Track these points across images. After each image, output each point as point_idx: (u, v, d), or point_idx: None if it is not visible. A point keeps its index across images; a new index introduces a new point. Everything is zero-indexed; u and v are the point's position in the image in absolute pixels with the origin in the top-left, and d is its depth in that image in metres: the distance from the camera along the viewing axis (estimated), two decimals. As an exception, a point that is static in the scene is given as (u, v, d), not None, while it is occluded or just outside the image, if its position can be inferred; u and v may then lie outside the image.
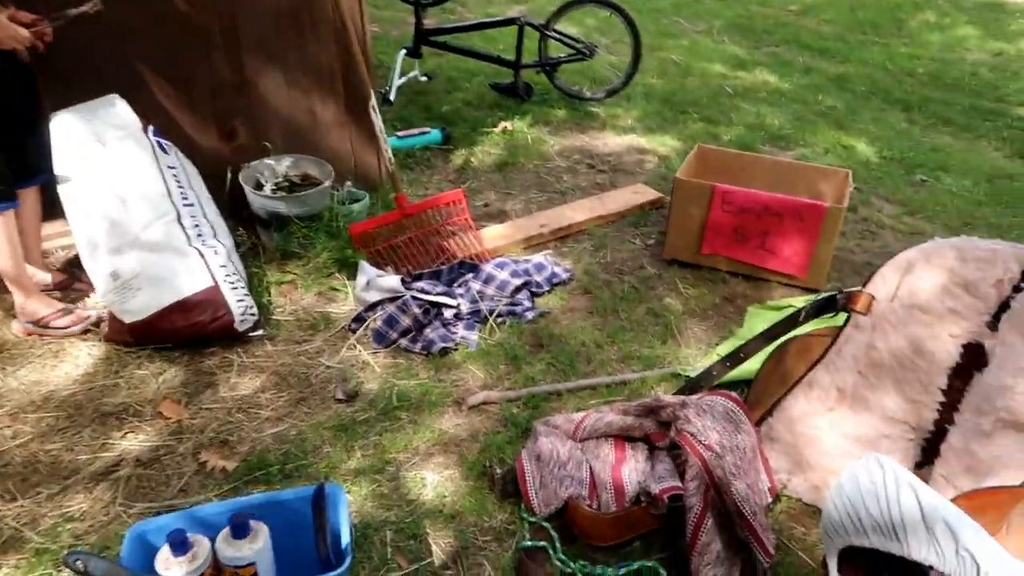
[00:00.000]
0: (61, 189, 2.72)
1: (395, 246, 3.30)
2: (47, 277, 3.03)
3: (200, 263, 2.77)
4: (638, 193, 3.88)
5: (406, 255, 3.28)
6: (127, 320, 2.73)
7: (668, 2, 8.54)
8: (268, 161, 3.42)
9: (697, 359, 2.77)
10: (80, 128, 2.68)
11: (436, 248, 3.33)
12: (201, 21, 3.14)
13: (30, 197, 2.84)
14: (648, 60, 5.92)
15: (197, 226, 2.83)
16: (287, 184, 3.39)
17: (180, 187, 2.81)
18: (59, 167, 2.66)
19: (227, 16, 3.18)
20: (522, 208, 3.86)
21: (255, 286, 3.09)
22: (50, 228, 3.12)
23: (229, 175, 3.35)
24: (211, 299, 2.74)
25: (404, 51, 5.25)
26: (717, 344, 2.86)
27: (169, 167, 2.82)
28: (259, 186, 3.37)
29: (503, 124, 4.71)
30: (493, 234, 3.47)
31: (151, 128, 2.82)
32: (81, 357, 2.76)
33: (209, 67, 3.24)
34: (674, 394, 2.31)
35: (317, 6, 3.33)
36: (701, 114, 5.20)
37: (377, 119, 3.36)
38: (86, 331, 2.85)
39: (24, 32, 2.39)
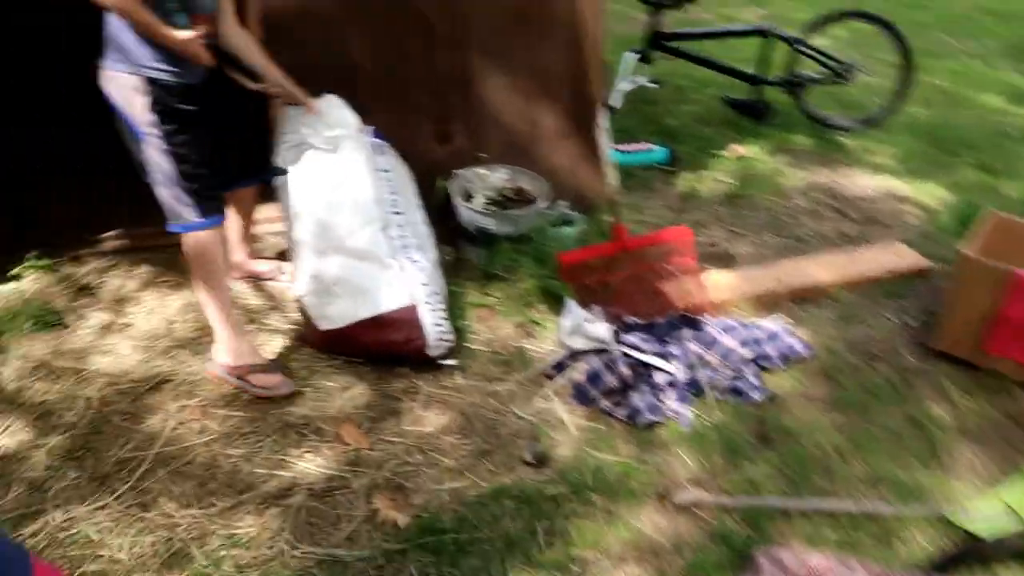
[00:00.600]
0: (277, 182, 2.63)
1: (606, 282, 2.94)
2: (261, 266, 2.99)
3: (401, 278, 2.57)
4: (898, 256, 3.25)
5: (618, 293, 2.91)
6: (322, 327, 2.58)
7: (932, 15, 7.49)
8: (481, 171, 3.17)
9: (971, 498, 2.18)
10: (296, 127, 2.57)
11: (652, 290, 2.93)
12: (427, 14, 2.92)
13: (249, 194, 2.78)
14: (913, 86, 5.13)
15: (403, 237, 2.63)
16: (500, 199, 3.12)
17: (392, 193, 2.63)
18: (278, 161, 2.58)
19: (456, 10, 2.94)
20: (753, 253, 3.36)
21: (453, 305, 2.85)
22: (265, 212, 3.06)
23: (440, 183, 3.13)
24: (408, 319, 2.53)
25: (633, 54, 4.84)
26: (999, 482, 2.25)
27: (383, 171, 2.64)
28: (469, 197, 3.13)
29: (736, 148, 4.20)
30: (718, 283, 3.01)
31: (369, 129, 2.65)
32: (275, 353, 2.66)
33: (430, 64, 3.02)
34: (947, 558, 1.78)
35: (552, 4, 3.01)
36: (975, 158, 4.38)
37: (604, 135, 2.99)
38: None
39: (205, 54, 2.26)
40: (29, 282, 3.02)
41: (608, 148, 3.00)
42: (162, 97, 2.19)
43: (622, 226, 2.95)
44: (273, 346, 2.72)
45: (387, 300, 2.54)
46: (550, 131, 3.27)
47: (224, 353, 2.50)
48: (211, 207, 2.36)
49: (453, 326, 2.71)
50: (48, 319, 2.82)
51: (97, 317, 2.86)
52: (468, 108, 3.13)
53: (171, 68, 2.18)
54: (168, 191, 2.30)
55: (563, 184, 3.39)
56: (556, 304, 2.89)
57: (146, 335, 2.79)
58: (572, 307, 2.70)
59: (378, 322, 2.54)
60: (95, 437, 2.37)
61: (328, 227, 2.54)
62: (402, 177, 2.76)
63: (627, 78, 4.78)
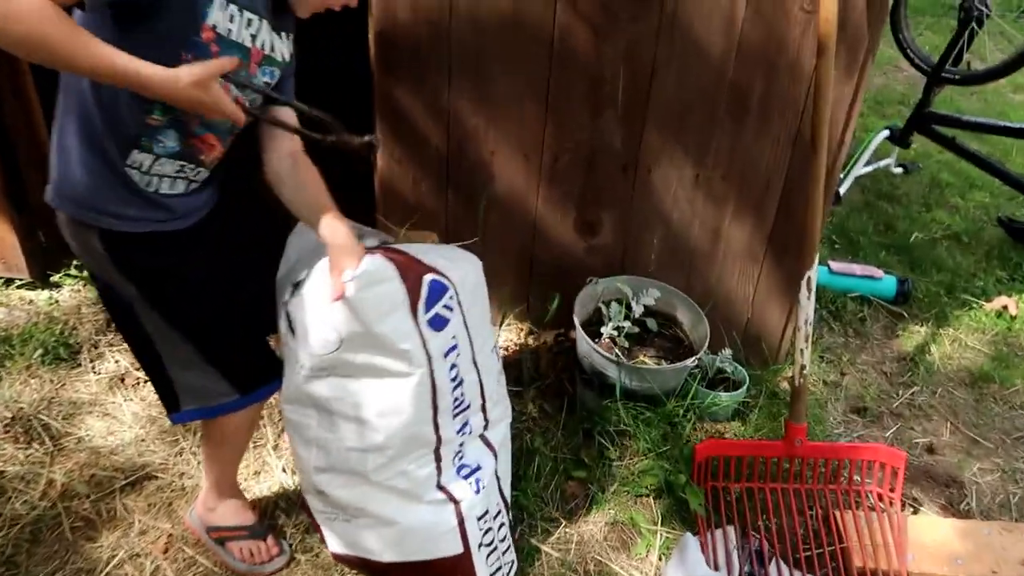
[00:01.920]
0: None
1: (755, 494, 2.01)
2: None
3: (451, 515, 1.64)
4: None
5: (769, 515, 1.97)
6: (332, 547, 1.76)
7: None
8: (624, 284, 2.31)
9: None
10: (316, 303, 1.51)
11: (820, 522, 1.96)
12: (599, 76, 2.09)
13: None
14: None
15: (460, 448, 1.68)
16: (638, 326, 2.25)
17: (455, 391, 1.59)
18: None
19: (640, 76, 2.08)
20: (995, 487, 2.25)
21: (529, 483, 2.05)
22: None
23: (562, 290, 2.31)
24: (456, 567, 1.69)
25: (886, 132, 3.70)
26: None
27: (446, 354, 1.54)
28: (598, 318, 2.29)
29: (1003, 301, 3.00)
30: (930, 537, 1.97)
31: (427, 285, 1.50)
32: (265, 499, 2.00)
33: (591, 134, 2.19)
34: None
35: (788, 87, 2.07)
36: None
37: (813, 276, 2.00)
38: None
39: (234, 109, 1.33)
40: (66, 293, 2.58)
41: (813, 292, 2.00)
42: (139, 258, 1.43)
43: (801, 427, 1.99)
44: (265, 486, 2.06)
45: (426, 545, 1.66)
46: (737, 248, 2.34)
47: (209, 509, 1.84)
48: (252, 377, 1.60)
49: (525, 496, 1.92)
50: (61, 351, 2.34)
51: (114, 362, 2.35)
52: (630, 197, 2.28)
53: (142, 215, 1.39)
54: (184, 373, 1.55)
55: (734, 323, 2.46)
56: (674, 510, 2.01)
57: (158, 403, 2.23)
58: (690, 548, 1.81)
59: (413, 568, 1.69)
60: (28, 548, 1.83)
61: (347, 452, 1.59)
62: (477, 336, 1.66)
63: (869, 160, 3.68)
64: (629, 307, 2.27)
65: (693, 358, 2.09)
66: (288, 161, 1.51)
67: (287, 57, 1.46)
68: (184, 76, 1.16)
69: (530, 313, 2.57)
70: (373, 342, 1.45)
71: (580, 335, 2.16)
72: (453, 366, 1.56)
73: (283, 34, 1.42)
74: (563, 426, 2.23)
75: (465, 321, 1.60)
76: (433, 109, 2.20)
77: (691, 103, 2.13)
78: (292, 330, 1.52)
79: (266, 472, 2.08)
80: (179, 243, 1.45)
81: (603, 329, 2.23)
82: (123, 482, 2.02)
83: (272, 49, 1.40)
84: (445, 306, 1.52)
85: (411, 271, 1.48)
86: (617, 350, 2.20)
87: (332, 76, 3.59)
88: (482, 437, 1.74)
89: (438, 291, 1.51)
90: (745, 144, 2.18)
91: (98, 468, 2.05)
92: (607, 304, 2.29)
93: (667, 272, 2.41)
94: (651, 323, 2.26)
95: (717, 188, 2.26)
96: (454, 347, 1.55)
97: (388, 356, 1.47)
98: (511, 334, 2.56)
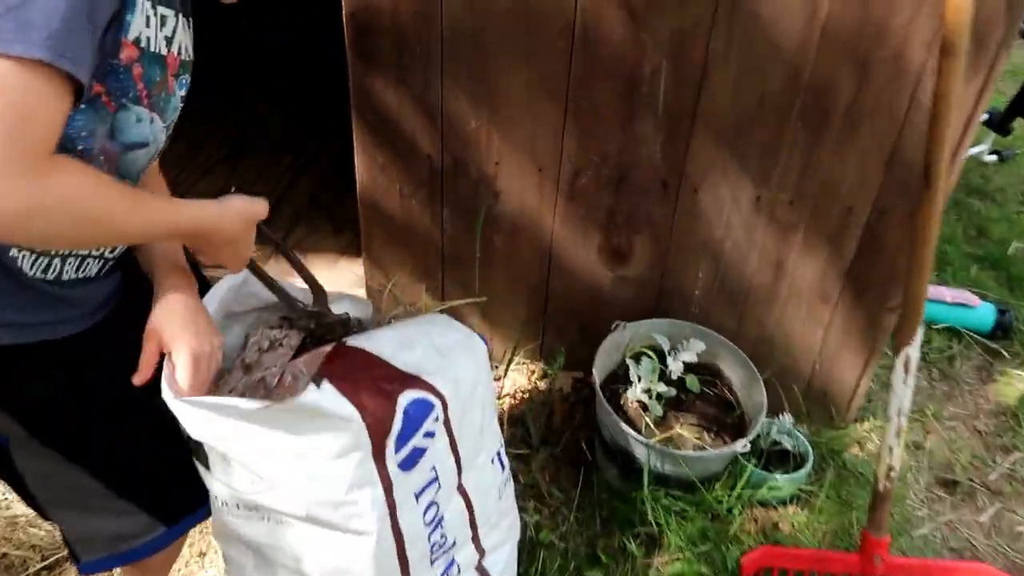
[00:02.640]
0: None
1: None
2: None
3: None
4: None
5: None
6: None
7: None
8: (658, 336, 1.85)
9: None
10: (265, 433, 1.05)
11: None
12: (635, 73, 1.60)
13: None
14: None
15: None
16: (675, 386, 1.80)
17: (432, 534, 1.15)
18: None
19: (688, 73, 1.59)
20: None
21: (539, 554, 1.64)
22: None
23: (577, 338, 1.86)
24: None
25: (983, 116, 3.11)
26: None
27: (419, 494, 1.10)
28: (624, 372, 1.84)
29: None
30: None
31: (403, 412, 1.05)
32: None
33: (622, 144, 1.71)
34: None
35: (877, 87, 1.56)
36: None
37: (913, 359, 1.52)
38: None
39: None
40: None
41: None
42: (23, 383, 1.00)
43: (882, 541, 1.54)
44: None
45: None
46: (804, 286, 1.86)
47: None
48: (180, 504, 1.20)
49: None
50: None
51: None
52: (669, 220, 1.81)
53: (29, 319, 0.95)
54: (87, 521, 1.14)
55: (795, 375, 1.99)
56: (714, 627, 1.59)
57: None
58: None
59: None
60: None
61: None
62: (472, 414, 1.21)
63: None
64: (664, 361, 1.82)
65: (745, 440, 1.64)
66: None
67: (192, 53, 1.02)
68: (233, 209, 0.99)
69: (543, 352, 2.13)
70: (315, 492, 1.03)
71: (600, 401, 1.71)
72: (431, 504, 1.13)
73: (189, 21, 0.99)
74: (577, 506, 1.81)
75: (453, 440, 1.16)
76: (422, 108, 1.74)
77: (754, 108, 1.63)
78: (203, 460, 1.11)
79: (213, 554, 1.71)
80: (79, 352, 1.01)
81: (630, 391, 1.78)
82: (38, 565, 1.68)
83: (186, 51, 0.97)
84: (426, 433, 1.09)
85: (378, 399, 1.03)
86: (648, 419, 1.75)
87: (294, 57, 3.14)
88: (478, 569, 1.32)
89: (418, 417, 1.07)
90: (822, 161, 1.68)
91: (18, 541, 1.71)
92: (636, 358, 1.84)
93: (713, 312, 1.94)
94: (692, 381, 1.81)
95: (783, 213, 1.77)
96: (432, 481, 1.12)
97: (334, 510, 1.05)
98: (519, 376, 2.13)
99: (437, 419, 1.10)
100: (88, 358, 1.02)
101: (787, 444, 1.83)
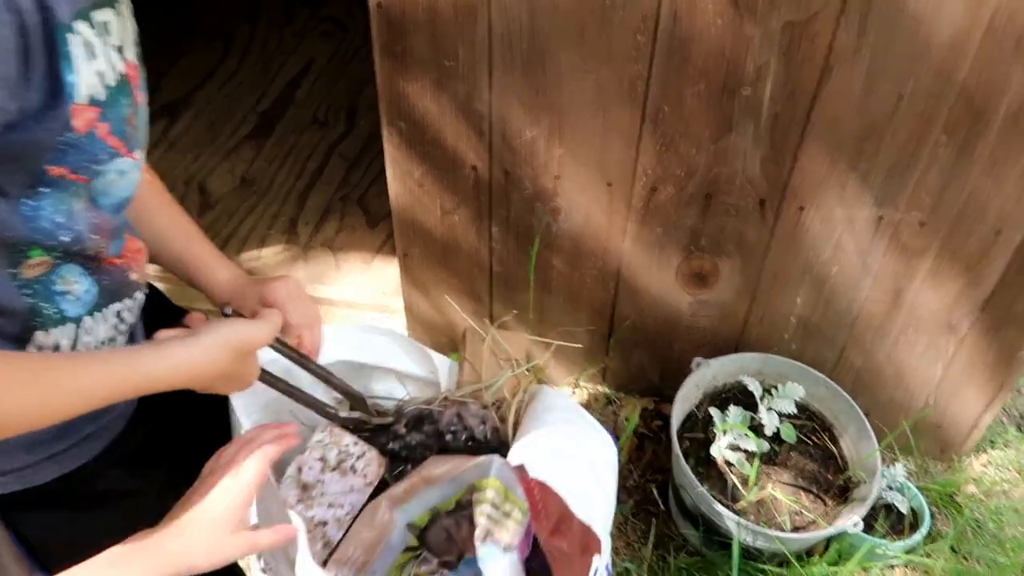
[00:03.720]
0: None
1: None
2: None
3: None
4: None
5: None
6: None
7: None
8: (749, 377, 1.56)
9: None
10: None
11: None
12: (735, 75, 1.26)
13: None
14: None
15: None
16: (767, 439, 1.53)
17: None
18: None
19: (805, 74, 1.24)
20: None
21: None
22: None
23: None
24: None
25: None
26: None
27: None
28: (704, 418, 1.57)
29: None
30: None
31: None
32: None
33: (712, 156, 1.39)
34: None
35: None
36: None
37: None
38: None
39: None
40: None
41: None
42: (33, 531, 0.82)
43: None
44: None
45: None
46: (925, 316, 1.55)
47: None
48: None
49: None
50: None
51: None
52: (765, 242, 1.50)
53: (35, 457, 0.77)
54: None
55: (902, 408, 1.70)
56: None
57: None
58: None
59: None
60: None
61: None
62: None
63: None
64: (753, 406, 1.54)
65: (858, 518, 1.37)
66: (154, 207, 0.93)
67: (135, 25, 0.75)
68: (222, 344, 0.72)
69: (609, 377, 1.87)
70: None
71: (677, 457, 1.45)
72: None
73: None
74: (649, 567, 1.59)
75: None
76: (467, 116, 1.43)
77: (886, 116, 1.29)
78: None
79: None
80: (93, 487, 0.83)
81: (715, 447, 1.52)
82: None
83: (134, 38, 0.72)
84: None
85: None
86: (735, 479, 1.50)
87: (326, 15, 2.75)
88: None
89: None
90: (970, 178, 1.34)
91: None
92: (721, 403, 1.56)
93: (809, 343, 1.65)
94: (788, 431, 1.53)
95: (910, 236, 1.44)
96: None
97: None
98: (581, 400, 1.88)
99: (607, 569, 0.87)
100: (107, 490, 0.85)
101: (898, 502, 1.56)
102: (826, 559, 1.48)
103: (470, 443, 0.91)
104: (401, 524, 0.87)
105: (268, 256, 2.19)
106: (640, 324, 1.72)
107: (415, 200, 1.59)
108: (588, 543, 0.79)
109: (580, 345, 1.69)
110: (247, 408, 0.91)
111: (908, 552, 1.53)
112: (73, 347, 0.76)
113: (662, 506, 1.67)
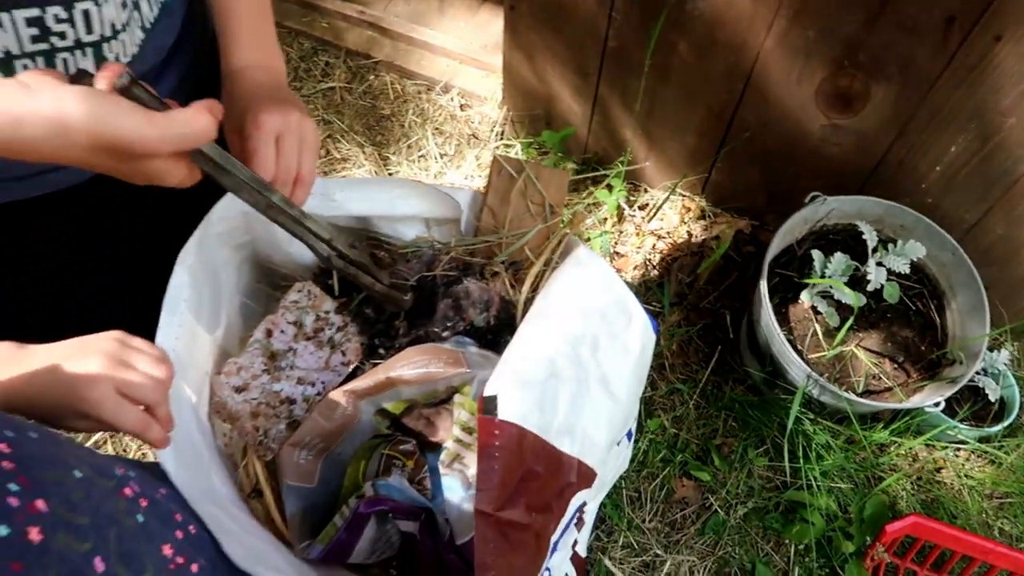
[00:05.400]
0: None
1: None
2: None
3: None
4: None
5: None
6: None
7: None
8: (866, 223, 1.37)
9: None
10: None
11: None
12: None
13: None
14: None
15: None
16: (867, 294, 1.37)
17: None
18: None
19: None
20: None
21: (643, 438, 1.45)
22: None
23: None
24: None
25: None
26: None
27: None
28: (804, 257, 1.41)
29: None
30: None
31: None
32: None
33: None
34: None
35: None
36: None
37: None
38: None
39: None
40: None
41: None
42: None
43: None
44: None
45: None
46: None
47: None
48: None
49: (601, 514, 1.37)
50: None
51: None
52: (938, 70, 1.23)
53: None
54: None
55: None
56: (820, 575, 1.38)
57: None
58: None
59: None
60: None
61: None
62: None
63: None
64: (862, 256, 1.37)
65: (941, 400, 1.25)
66: None
67: None
68: (71, 126, 0.50)
69: (709, 188, 1.70)
70: None
71: (762, 293, 1.32)
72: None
73: None
74: (701, 392, 1.54)
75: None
76: None
77: None
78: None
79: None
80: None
81: (805, 292, 1.38)
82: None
83: None
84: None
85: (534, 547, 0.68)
86: (818, 328, 1.37)
87: None
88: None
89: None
90: None
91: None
92: (827, 246, 1.39)
93: (949, 199, 1.42)
94: (891, 290, 1.37)
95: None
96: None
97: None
98: (671, 211, 1.73)
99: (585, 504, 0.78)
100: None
101: (990, 388, 1.42)
102: (892, 428, 1.39)
103: (467, 331, 0.78)
104: (369, 412, 0.76)
105: (370, -17, 2.00)
106: (759, 138, 1.51)
107: (534, -56, 1.36)
108: (572, 481, 0.69)
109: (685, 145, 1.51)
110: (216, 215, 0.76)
111: (982, 440, 1.42)
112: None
113: (731, 334, 1.58)
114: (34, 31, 0.60)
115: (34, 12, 0.59)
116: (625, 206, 1.72)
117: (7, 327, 0.61)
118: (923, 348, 1.39)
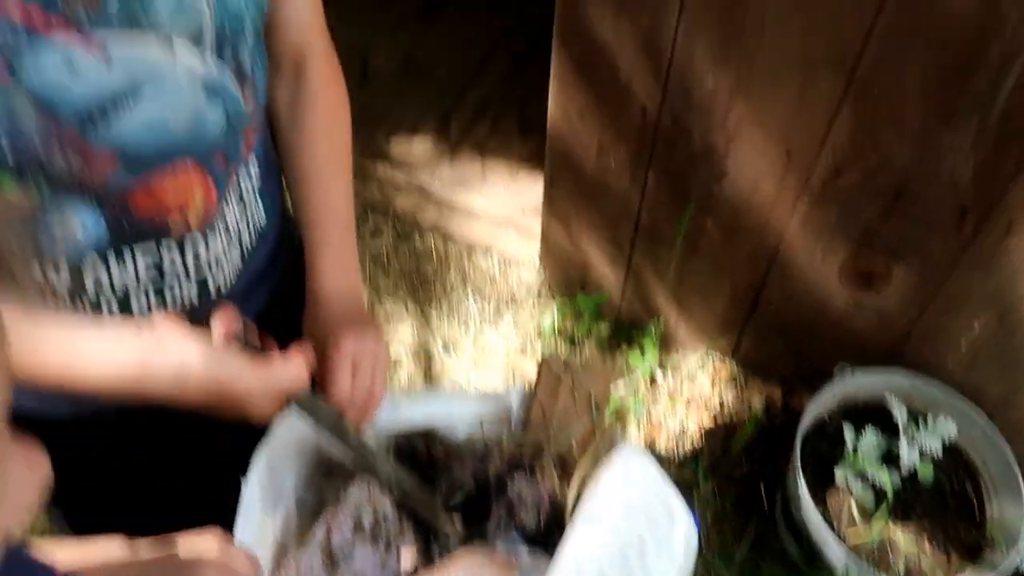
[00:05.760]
0: None
1: None
2: None
3: None
4: None
5: None
6: None
7: None
8: (896, 397, 1.39)
9: None
10: None
11: None
12: (974, 54, 1.05)
13: None
14: None
15: None
16: (900, 473, 1.37)
17: None
18: None
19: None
20: None
21: None
22: None
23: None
24: None
25: None
26: None
27: None
28: (835, 433, 1.42)
29: None
30: None
31: None
32: None
33: (914, 148, 1.19)
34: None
35: None
36: None
37: None
38: None
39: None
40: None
41: None
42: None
43: None
44: None
45: None
46: None
47: None
48: None
49: None
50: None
51: None
52: (954, 255, 1.30)
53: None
54: None
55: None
56: None
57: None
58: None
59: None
60: None
61: None
62: None
63: None
64: (893, 432, 1.38)
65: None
66: (289, 75, 0.79)
67: None
68: (189, 374, 0.60)
69: (739, 354, 1.74)
70: None
71: (795, 470, 1.33)
72: None
73: None
74: (740, 570, 1.50)
75: None
76: (646, 49, 1.30)
77: None
78: None
79: None
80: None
81: (839, 469, 1.38)
82: None
83: None
84: None
85: None
86: (854, 510, 1.36)
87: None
88: None
89: None
90: None
91: None
92: (857, 425, 1.41)
93: (975, 374, 1.44)
94: (925, 471, 1.36)
95: None
96: None
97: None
98: (702, 377, 1.77)
99: None
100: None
101: (1034, 574, 1.37)
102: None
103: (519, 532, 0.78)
104: None
105: (417, 149, 2.17)
106: (784, 311, 1.57)
107: (573, 132, 1.50)
108: None
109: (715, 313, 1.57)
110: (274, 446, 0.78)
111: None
112: (98, 295, 0.66)
113: (766, 506, 1.56)
114: (153, 273, 0.68)
115: (151, 259, 0.66)
116: (658, 371, 1.76)
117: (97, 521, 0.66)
118: (961, 529, 1.37)
